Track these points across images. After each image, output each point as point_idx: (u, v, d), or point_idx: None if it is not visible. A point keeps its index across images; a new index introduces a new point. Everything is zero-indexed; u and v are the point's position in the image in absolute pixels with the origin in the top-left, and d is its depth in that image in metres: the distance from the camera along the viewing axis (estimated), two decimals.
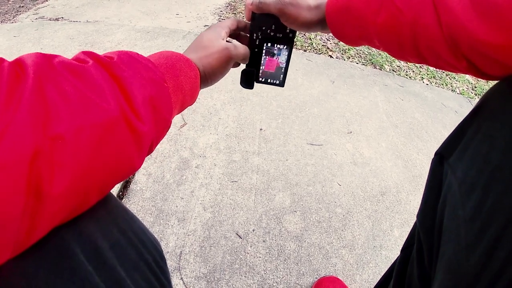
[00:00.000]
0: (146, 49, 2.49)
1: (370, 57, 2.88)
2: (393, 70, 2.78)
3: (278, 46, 0.67)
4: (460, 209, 0.42)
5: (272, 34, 0.65)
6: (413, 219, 1.48)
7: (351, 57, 2.84)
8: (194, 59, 0.56)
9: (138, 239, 0.49)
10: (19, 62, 0.34)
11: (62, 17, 3.08)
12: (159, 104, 0.44)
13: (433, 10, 0.42)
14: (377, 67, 2.77)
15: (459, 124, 0.50)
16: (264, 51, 0.68)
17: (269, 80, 0.73)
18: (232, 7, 3.65)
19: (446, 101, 2.50)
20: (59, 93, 0.33)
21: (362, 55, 2.92)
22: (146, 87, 0.42)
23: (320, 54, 2.80)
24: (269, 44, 0.67)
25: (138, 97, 0.40)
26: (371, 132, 1.98)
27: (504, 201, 0.37)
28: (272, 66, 0.70)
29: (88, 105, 0.34)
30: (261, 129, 1.82)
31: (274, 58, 0.69)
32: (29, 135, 0.29)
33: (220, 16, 3.39)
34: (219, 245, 1.24)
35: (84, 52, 0.41)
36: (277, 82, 0.73)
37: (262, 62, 0.69)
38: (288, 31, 0.65)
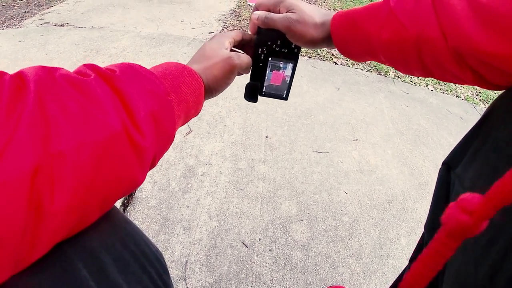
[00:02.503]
0: (151, 56, 2.50)
1: (375, 63, 2.87)
2: (398, 76, 2.77)
3: (283, 60, 0.67)
4: None
5: (277, 49, 0.66)
6: (420, 227, 1.47)
7: (355, 64, 2.84)
8: (197, 70, 0.55)
9: (141, 252, 0.48)
10: (20, 75, 0.34)
11: (67, 23, 3.10)
12: (161, 118, 0.43)
13: (437, 23, 0.42)
14: (382, 73, 2.77)
15: (466, 134, 0.50)
16: (269, 65, 0.68)
17: (272, 94, 0.73)
18: (237, 14, 3.66)
19: (451, 107, 2.49)
20: (60, 108, 0.33)
21: (366, 62, 2.91)
22: (149, 101, 0.41)
23: (325, 60, 2.80)
24: (274, 59, 0.67)
25: (140, 112, 0.39)
26: (377, 139, 1.97)
27: None
28: (277, 80, 0.70)
29: (90, 121, 0.34)
30: (266, 137, 1.82)
31: (279, 72, 0.69)
32: (29, 152, 0.29)
33: (225, 23, 3.40)
34: (225, 254, 1.23)
35: (86, 65, 0.41)
36: (281, 95, 0.73)
37: (266, 76, 0.69)
38: (293, 46, 0.65)
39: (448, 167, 0.53)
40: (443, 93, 2.73)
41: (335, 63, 2.79)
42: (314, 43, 0.60)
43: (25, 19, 3.21)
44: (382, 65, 2.87)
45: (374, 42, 0.52)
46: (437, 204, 0.55)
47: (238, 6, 3.97)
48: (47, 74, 0.35)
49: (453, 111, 2.45)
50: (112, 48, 2.58)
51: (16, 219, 0.28)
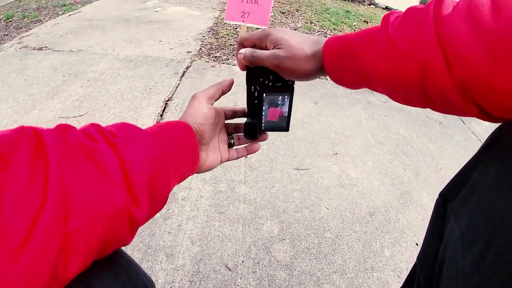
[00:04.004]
0: (129, 79, 2.50)
1: None
2: None
3: (279, 94, 0.64)
4: (460, 260, 0.41)
5: (270, 84, 0.62)
6: (404, 237, 1.48)
7: None
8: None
9: (132, 283, 0.49)
10: (38, 135, 0.36)
11: (46, 47, 3.09)
12: (156, 184, 0.44)
13: (441, 52, 0.38)
14: None
15: (465, 164, 0.48)
16: (264, 101, 0.65)
17: (272, 128, 0.69)
18: (215, 32, 3.68)
19: (430, 113, 2.53)
20: (78, 181, 0.35)
21: None
22: (146, 168, 0.42)
23: None
24: (268, 94, 0.64)
25: (138, 182, 0.41)
26: (357, 152, 1.99)
27: (505, 256, 0.36)
28: (275, 116, 0.67)
29: (102, 195, 0.37)
30: (246, 157, 1.82)
31: (276, 106, 0.66)
32: (54, 234, 0.32)
33: (203, 41, 3.42)
34: (209, 279, 1.22)
35: (92, 126, 0.43)
36: (282, 127, 0.70)
37: (263, 111, 0.66)
38: (287, 79, 0.62)
39: (445, 199, 0.50)
40: None
41: None
42: (308, 76, 0.56)
43: (4, 43, 3.20)
44: None
45: (371, 71, 0.47)
46: (431, 237, 0.53)
47: (216, 24, 4.01)
48: (63, 138, 0.37)
49: (432, 117, 2.49)
50: (90, 72, 2.58)
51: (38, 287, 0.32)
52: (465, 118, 2.53)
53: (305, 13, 4.76)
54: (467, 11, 0.37)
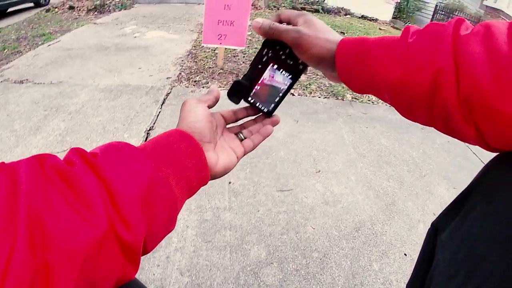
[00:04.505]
0: (110, 109, 2.51)
1: (332, 89, 2.96)
2: (355, 98, 2.85)
3: (283, 72, 0.62)
4: None
5: (283, 57, 0.60)
6: (391, 249, 1.50)
7: (313, 92, 2.91)
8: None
9: None
10: (14, 169, 0.35)
11: (27, 79, 3.10)
12: (154, 199, 0.42)
13: (454, 67, 0.39)
14: (339, 97, 2.85)
15: (458, 195, 0.48)
16: (267, 71, 0.62)
17: (258, 104, 0.64)
18: (193, 56, 3.71)
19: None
20: (51, 212, 0.33)
21: (323, 88, 3.00)
22: (135, 185, 0.40)
23: None
24: (275, 66, 0.61)
25: (126, 200, 0.38)
26: (339, 167, 2.02)
27: None
28: (268, 90, 0.63)
29: (77, 225, 0.34)
30: (229, 183, 1.84)
31: (274, 82, 0.63)
32: (29, 270, 0.30)
33: (182, 66, 3.46)
34: None
35: (73, 151, 0.41)
36: (266, 109, 0.65)
37: (259, 81, 0.63)
38: (300, 62, 0.60)
39: (436, 230, 0.50)
40: None
41: (292, 94, 2.86)
42: (320, 59, 0.54)
43: None
44: (339, 89, 2.94)
45: (382, 78, 0.47)
46: (420, 267, 0.54)
47: (194, 47, 4.04)
48: (39, 167, 0.36)
49: (413, 123, 2.51)
50: (71, 105, 2.58)
51: None
52: None
53: None
54: (484, 35, 0.38)
